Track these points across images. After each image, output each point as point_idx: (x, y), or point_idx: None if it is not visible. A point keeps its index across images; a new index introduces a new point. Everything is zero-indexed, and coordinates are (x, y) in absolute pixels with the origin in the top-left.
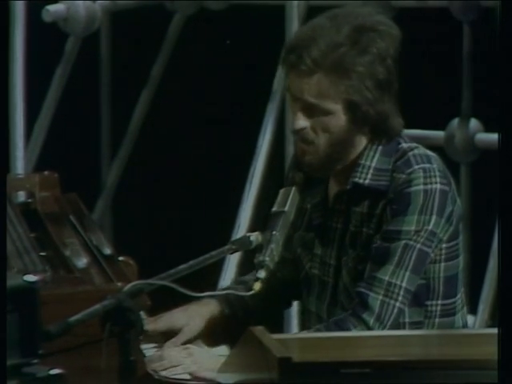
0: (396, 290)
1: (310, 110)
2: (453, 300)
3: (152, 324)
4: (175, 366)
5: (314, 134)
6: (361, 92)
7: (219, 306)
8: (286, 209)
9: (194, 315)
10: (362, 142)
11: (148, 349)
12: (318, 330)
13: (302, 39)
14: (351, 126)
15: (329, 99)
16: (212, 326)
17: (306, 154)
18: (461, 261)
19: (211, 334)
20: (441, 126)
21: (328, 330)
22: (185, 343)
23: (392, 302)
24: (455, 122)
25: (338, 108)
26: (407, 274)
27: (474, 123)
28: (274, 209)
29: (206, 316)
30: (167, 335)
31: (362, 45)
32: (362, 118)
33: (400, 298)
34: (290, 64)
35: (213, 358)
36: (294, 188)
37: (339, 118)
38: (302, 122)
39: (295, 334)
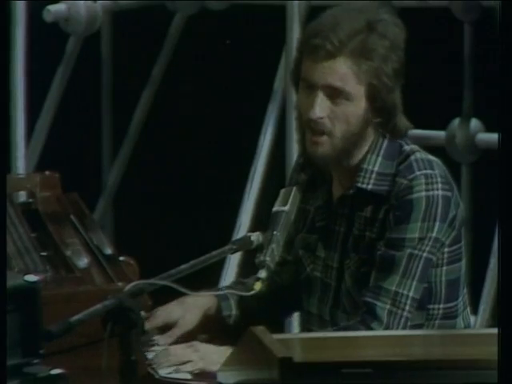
0: (403, 300)
1: (331, 97)
2: (454, 303)
3: (148, 322)
4: (184, 363)
5: (331, 125)
6: (380, 77)
7: (215, 298)
8: (287, 208)
9: (190, 307)
10: (369, 139)
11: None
12: None
13: (324, 24)
14: (368, 117)
15: (352, 82)
16: (208, 318)
17: (318, 146)
18: (463, 264)
19: (207, 327)
20: (442, 126)
21: None
22: (181, 336)
23: (399, 311)
24: (456, 121)
25: (360, 92)
26: (414, 283)
27: (475, 123)
28: (275, 208)
29: (201, 308)
30: (163, 329)
31: (379, 31)
32: (379, 106)
33: (407, 308)
34: (315, 47)
35: (219, 352)
36: (294, 188)
37: (359, 106)
38: (320, 110)
39: (296, 334)
